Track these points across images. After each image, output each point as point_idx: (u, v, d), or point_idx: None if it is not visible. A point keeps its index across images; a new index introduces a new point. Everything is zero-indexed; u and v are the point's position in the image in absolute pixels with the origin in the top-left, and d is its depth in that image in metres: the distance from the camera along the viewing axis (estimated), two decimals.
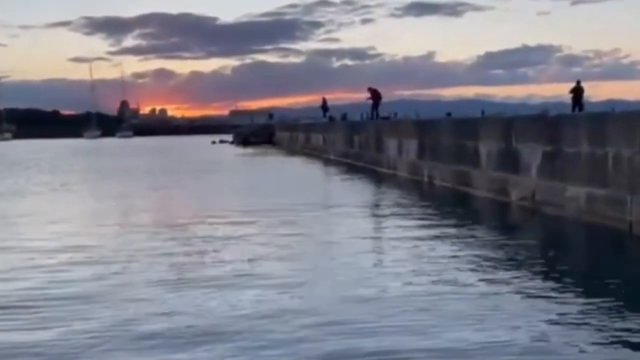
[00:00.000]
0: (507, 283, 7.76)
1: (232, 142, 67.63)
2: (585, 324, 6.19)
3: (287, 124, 66.00)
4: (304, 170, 29.54)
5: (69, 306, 7.00)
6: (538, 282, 7.79)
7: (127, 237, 11.53)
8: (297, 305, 6.92)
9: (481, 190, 17.04)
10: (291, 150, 49.94)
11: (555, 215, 13.04)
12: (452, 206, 15.58)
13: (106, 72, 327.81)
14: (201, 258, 9.57)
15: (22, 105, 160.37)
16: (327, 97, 53.23)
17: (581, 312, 6.55)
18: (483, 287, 7.59)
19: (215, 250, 10.06)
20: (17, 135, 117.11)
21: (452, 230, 11.66)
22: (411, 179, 22.50)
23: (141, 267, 9.02)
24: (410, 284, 7.81)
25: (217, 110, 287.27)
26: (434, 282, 7.84)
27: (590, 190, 12.34)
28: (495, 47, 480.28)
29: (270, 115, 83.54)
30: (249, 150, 52.62)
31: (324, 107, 51.24)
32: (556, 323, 6.21)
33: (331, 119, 48.66)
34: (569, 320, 6.29)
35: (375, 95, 39.62)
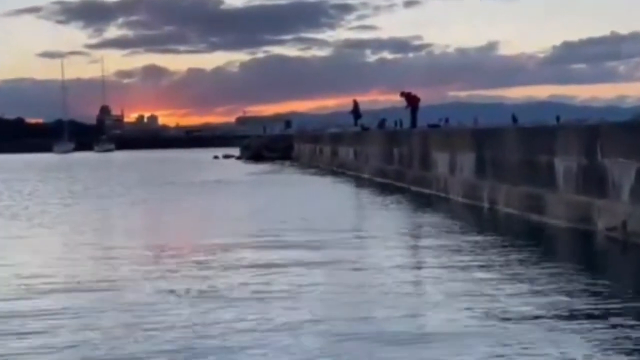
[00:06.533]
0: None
1: (239, 157, 68.02)
2: None
3: (309, 134, 66.32)
4: (331, 194, 29.48)
5: None
6: None
7: None
8: None
9: (558, 218, 16.90)
10: (314, 166, 50.05)
11: None
12: (525, 239, 15.43)
13: (83, 69, 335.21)
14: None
15: None
16: (360, 99, 53.66)
17: None
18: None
19: None
20: None
21: (534, 274, 11.46)
22: (467, 204, 22.37)
23: None
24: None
25: (221, 117, 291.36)
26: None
27: None
28: (575, 36, 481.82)
29: (288, 123, 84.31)
30: (262, 167, 52.70)
31: (356, 112, 51.40)
32: None
33: (364, 127, 48.73)
34: None
35: (412, 100, 39.99)
